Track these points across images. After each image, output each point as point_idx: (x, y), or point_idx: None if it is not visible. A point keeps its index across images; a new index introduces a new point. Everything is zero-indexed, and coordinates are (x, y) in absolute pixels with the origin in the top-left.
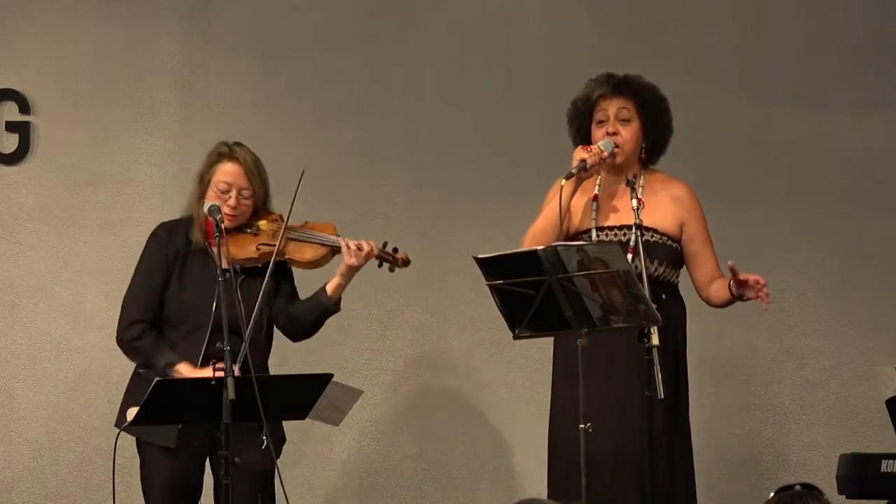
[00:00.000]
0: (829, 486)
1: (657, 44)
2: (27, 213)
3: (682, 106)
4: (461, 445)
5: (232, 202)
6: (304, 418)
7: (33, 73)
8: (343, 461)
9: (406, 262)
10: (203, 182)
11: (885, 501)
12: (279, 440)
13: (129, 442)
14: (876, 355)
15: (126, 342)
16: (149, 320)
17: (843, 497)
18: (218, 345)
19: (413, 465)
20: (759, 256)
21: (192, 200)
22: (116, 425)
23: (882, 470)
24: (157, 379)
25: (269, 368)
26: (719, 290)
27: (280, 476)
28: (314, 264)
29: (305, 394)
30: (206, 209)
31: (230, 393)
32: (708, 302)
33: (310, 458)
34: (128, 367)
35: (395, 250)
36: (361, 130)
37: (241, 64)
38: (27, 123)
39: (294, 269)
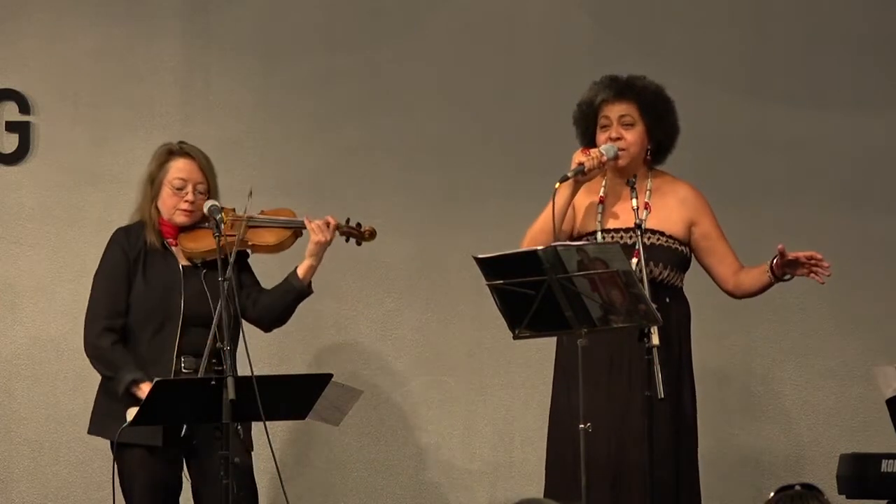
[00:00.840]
0: (829, 486)
1: (657, 44)
2: (27, 213)
3: (682, 106)
4: (461, 445)
5: (189, 197)
6: (304, 418)
7: (33, 73)
8: (343, 461)
9: (372, 234)
10: (155, 183)
11: (885, 501)
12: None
13: None
14: (876, 355)
15: (97, 350)
16: (117, 329)
17: (843, 497)
18: (218, 344)
19: (413, 465)
20: (759, 256)
21: (142, 204)
22: (90, 432)
23: (882, 470)
24: (157, 379)
25: (257, 364)
26: (754, 276)
27: (280, 476)
28: (278, 247)
29: (305, 394)
30: (206, 209)
31: (230, 393)
32: (735, 292)
33: (310, 458)
34: None
35: (359, 225)
36: (361, 130)
37: (241, 64)
38: (27, 123)
39: (257, 256)
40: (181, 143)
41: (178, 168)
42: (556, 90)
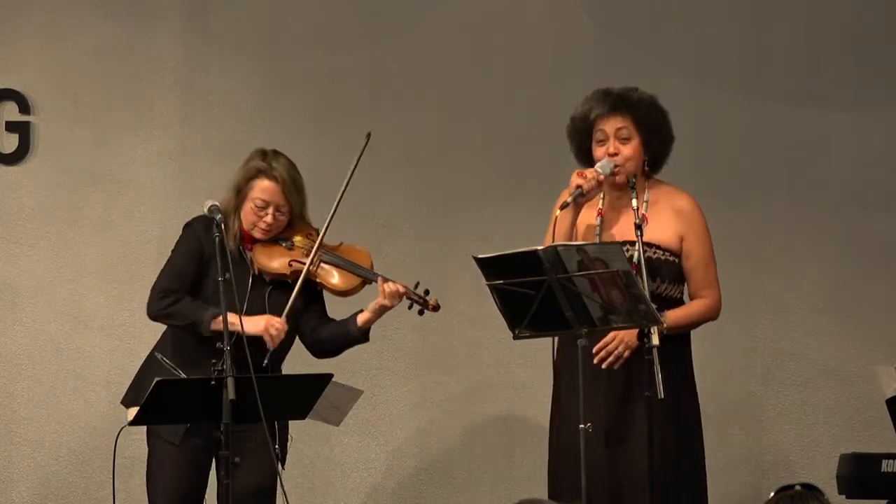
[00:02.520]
0: (829, 486)
1: (657, 44)
2: (27, 213)
3: (682, 106)
4: (461, 445)
5: (269, 219)
6: (304, 418)
7: (33, 73)
8: (343, 461)
9: (436, 308)
10: (240, 195)
11: (885, 501)
12: (283, 440)
13: (128, 442)
14: (876, 355)
15: (161, 310)
16: (179, 291)
17: (843, 497)
18: (218, 344)
19: (413, 465)
20: (759, 256)
21: (227, 208)
22: (122, 402)
23: (882, 470)
24: (157, 379)
25: (249, 365)
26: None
27: (280, 476)
28: (344, 294)
29: (305, 394)
30: (206, 209)
31: (230, 393)
32: None
33: (310, 458)
34: (128, 367)
35: (427, 292)
36: (361, 130)
37: (241, 64)
38: (27, 123)
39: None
40: (275, 154)
41: (262, 189)
42: (556, 90)
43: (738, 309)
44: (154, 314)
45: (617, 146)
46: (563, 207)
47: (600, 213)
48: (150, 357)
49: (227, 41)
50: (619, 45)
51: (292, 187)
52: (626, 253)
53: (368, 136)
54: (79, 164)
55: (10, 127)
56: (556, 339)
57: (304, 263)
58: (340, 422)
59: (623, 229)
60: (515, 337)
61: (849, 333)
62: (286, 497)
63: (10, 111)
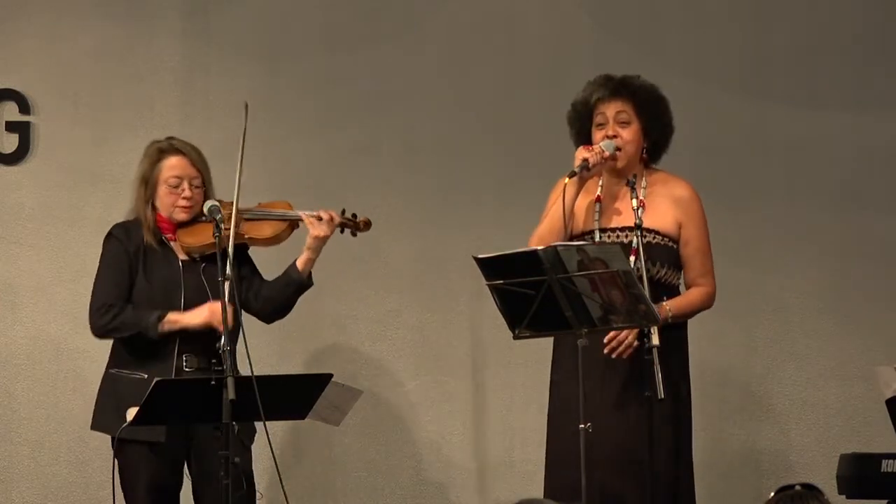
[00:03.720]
0: (829, 486)
1: (657, 44)
2: (27, 213)
3: (682, 106)
4: (461, 445)
5: (187, 193)
6: (304, 418)
7: (33, 73)
8: (343, 461)
9: (367, 225)
10: (149, 183)
11: (885, 501)
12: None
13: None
14: (876, 355)
15: (104, 326)
16: (117, 303)
17: (843, 497)
18: (218, 345)
19: (413, 465)
20: (759, 256)
21: (137, 204)
22: (93, 428)
23: (882, 470)
24: (156, 379)
25: (257, 364)
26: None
27: (280, 476)
28: (275, 240)
29: (305, 394)
30: (206, 209)
31: (230, 393)
32: None
33: (310, 458)
34: None
35: (355, 216)
36: (361, 130)
37: (241, 64)
38: (27, 123)
39: (257, 248)
40: (170, 138)
41: (171, 166)
42: (556, 90)
43: (738, 309)
44: (99, 332)
45: (616, 129)
46: (571, 176)
47: (598, 200)
48: (106, 376)
49: (227, 41)
50: (619, 45)
51: (198, 158)
52: (625, 238)
53: (246, 106)
54: (79, 164)
55: (10, 127)
56: (554, 340)
57: (228, 228)
58: (340, 422)
59: (622, 214)
60: (515, 337)
61: (849, 333)
62: (286, 497)
63: (10, 111)
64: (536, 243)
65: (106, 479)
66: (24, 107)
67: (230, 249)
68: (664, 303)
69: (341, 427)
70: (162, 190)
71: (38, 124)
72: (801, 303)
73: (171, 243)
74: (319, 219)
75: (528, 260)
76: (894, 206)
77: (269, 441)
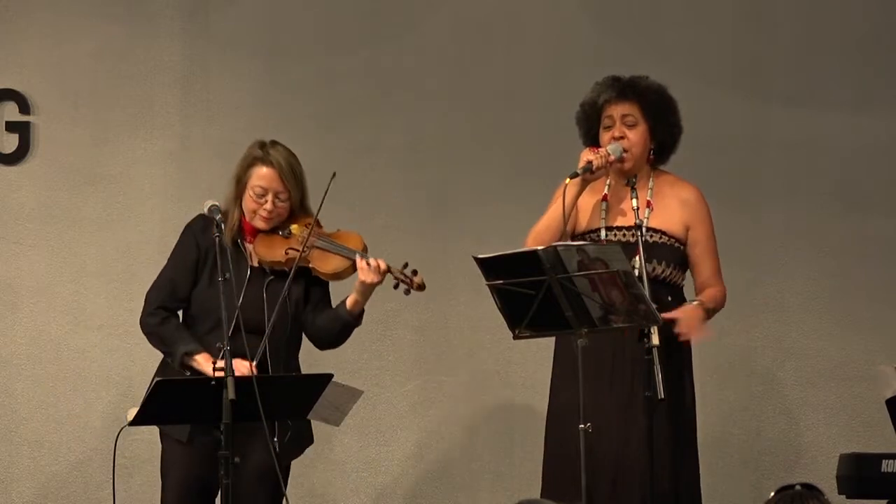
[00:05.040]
0: (829, 486)
1: (657, 44)
2: (27, 213)
3: (681, 106)
4: (461, 445)
5: (268, 206)
6: (304, 418)
7: (33, 73)
8: (343, 461)
9: (421, 287)
10: (240, 184)
11: (885, 501)
12: (304, 439)
13: (128, 442)
14: (876, 355)
15: (148, 327)
16: (171, 308)
17: (843, 497)
18: (218, 344)
19: (413, 465)
20: (759, 256)
21: (228, 200)
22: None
23: (882, 470)
24: (156, 379)
25: (249, 365)
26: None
27: (280, 476)
28: (335, 276)
29: (305, 394)
30: (206, 209)
31: (230, 393)
32: None
33: (310, 458)
34: (128, 367)
35: (415, 272)
36: (361, 130)
37: (241, 64)
38: (27, 123)
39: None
40: (272, 143)
41: (260, 176)
42: (556, 90)
43: (738, 309)
44: (142, 328)
45: (623, 130)
46: (572, 177)
47: (605, 199)
48: (163, 362)
49: (227, 41)
50: (620, 45)
51: (289, 173)
52: (631, 237)
53: (333, 175)
54: (79, 164)
55: (10, 127)
56: (556, 340)
57: (297, 250)
58: (340, 422)
59: (629, 214)
60: (515, 337)
61: (849, 333)
62: (286, 497)
63: (10, 111)
64: (533, 238)
65: (106, 479)
66: (24, 107)
67: (291, 273)
68: (700, 297)
69: (341, 427)
70: (248, 195)
71: (38, 124)
72: (801, 303)
73: (248, 246)
74: (370, 265)
75: (528, 260)
76: (894, 206)
77: (269, 441)
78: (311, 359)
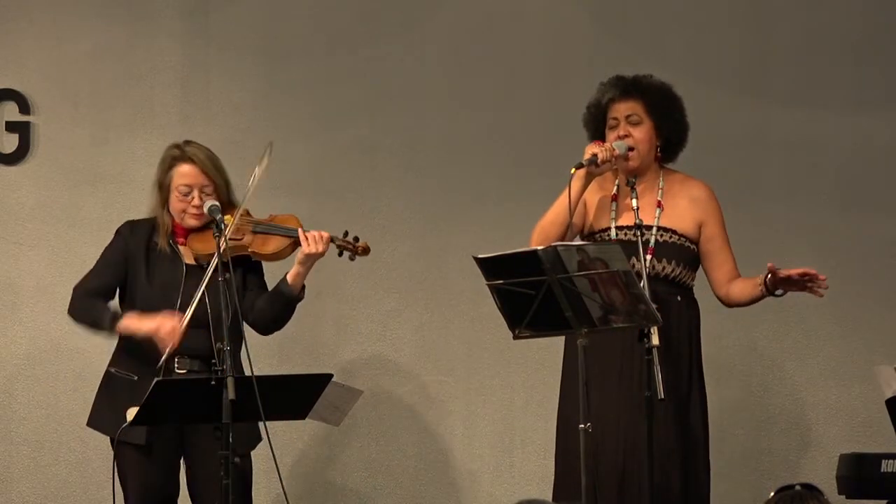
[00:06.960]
0: (829, 486)
1: (657, 44)
2: (27, 213)
3: None
4: (461, 445)
5: (196, 202)
6: (304, 418)
7: (33, 73)
8: (343, 461)
9: (366, 251)
10: (163, 188)
11: (885, 501)
12: (252, 438)
13: None
14: (876, 355)
15: (72, 311)
16: (93, 294)
17: (843, 497)
18: (218, 345)
19: (413, 465)
20: (759, 257)
21: (154, 207)
22: (88, 424)
23: (882, 470)
24: (156, 379)
25: (257, 364)
26: (746, 288)
27: (280, 475)
28: (276, 256)
29: (305, 394)
30: (206, 209)
31: (230, 393)
32: (725, 300)
33: (309, 457)
34: None
35: (356, 239)
36: (362, 130)
37: (241, 64)
38: (27, 123)
39: (264, 263)
40: (186, 143)
41: (182, 174)
42: (556, 90)
43: (738, 309)
44: (69, 312)
45: (627, 129)
46: (577, 167)
47: (614, 198)
48: (105, 374)
49: (227, 41)
50: (619, 45)
51: (211, 166)
52: (642, 236)
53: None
54: (79, 164)
55: (10, 127)
56: (565, 339)
57: (237, 239)
58: (340, 422)
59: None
60: (515, 337)
61: (849, 333)
62: (286, 497)
63: (10, 111)
64: (538, 232)
65: (106, 479)
66: (24, 107)
67: (229, 260)
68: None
69: (341, 427)
70: (173, 196)
71: (38, 124)
72: (801, 303)
73: (181, 247)
74: (315, 238)
75: (528, 260)
76: (894, 206)
77: (269, 441)
78: (311, 359)
